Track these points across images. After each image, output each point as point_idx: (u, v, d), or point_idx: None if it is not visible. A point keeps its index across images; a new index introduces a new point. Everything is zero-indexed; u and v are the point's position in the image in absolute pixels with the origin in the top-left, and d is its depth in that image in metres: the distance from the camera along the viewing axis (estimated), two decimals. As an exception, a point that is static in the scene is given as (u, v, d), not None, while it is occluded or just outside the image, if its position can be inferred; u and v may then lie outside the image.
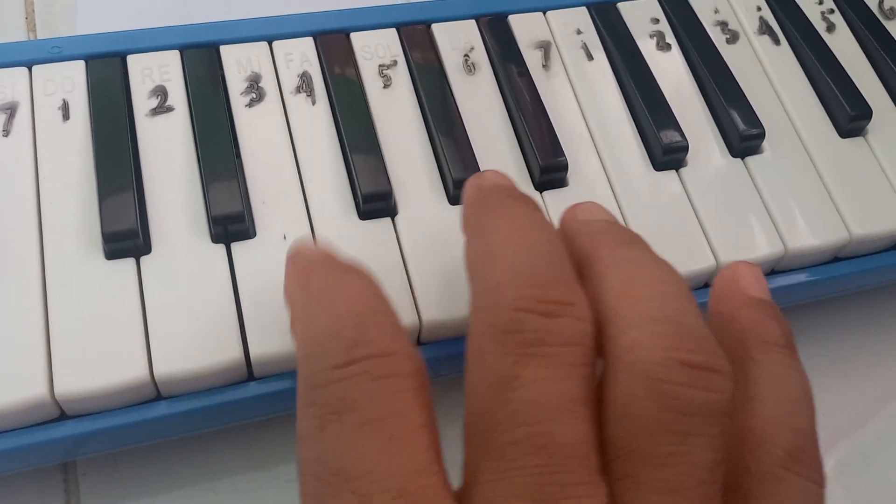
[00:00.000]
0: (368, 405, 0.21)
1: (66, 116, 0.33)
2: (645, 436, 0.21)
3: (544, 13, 0.40)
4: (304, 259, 0.26)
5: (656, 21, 0.41)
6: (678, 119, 0.37)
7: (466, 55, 0.38)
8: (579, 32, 0.40)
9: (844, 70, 0.40)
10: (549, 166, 0.34)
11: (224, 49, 0.36)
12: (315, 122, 0.35)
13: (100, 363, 0.28)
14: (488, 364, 0.22)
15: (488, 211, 0.26)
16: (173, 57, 0.35)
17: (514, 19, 0.39)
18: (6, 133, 0.32)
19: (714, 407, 0.22)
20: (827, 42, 0.41)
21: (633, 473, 0.21)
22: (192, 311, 0.30)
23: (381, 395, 0.22)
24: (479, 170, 0.34)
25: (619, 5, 0.41)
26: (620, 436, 0.22)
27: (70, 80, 0.34)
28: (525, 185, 0.35)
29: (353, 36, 0.37)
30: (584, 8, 0.40)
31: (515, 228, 0.25)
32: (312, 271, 0.25)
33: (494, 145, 0.36)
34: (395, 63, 0.37)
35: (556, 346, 0.22)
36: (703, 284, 0.35)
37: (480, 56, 0.38)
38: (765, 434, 0.24)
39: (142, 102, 0.34)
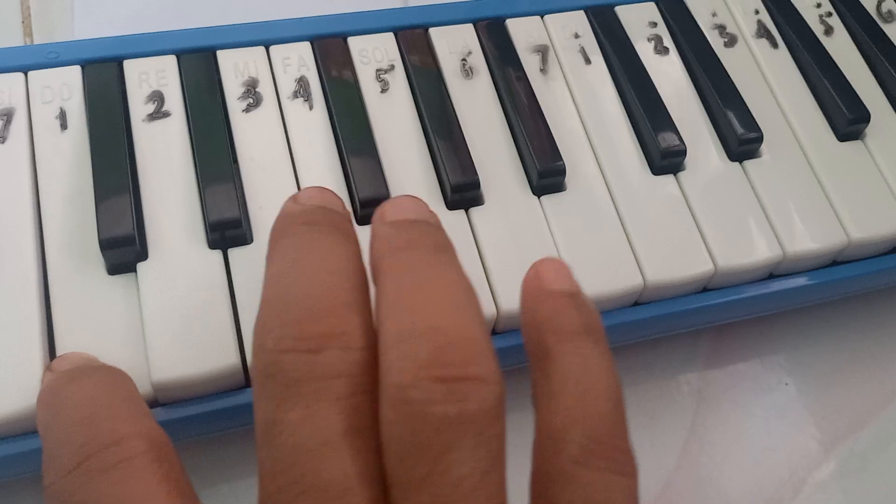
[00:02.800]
0: (106, 498, 0.21)
1: (63, 126, 0.33)
2: (399, 461, 0.21)
3: (542, 17, 0.40)
4: (43, 383, 0.27)
5: (654, 25, 0.41)
6: (676, 123, 0.37)
7: (464, 59, 0.38)
8: (577, 36, 0.40)
9: (842, 73, 0.40)
10: (547, 170, 0.34)
11: (221, 54, 0.36)
12: (312, 126, 0.35)
13: (97, 370, 0.28)
14: (258, 411, 0.22)
15: (282, 234, 0.25)
16: (170, 62, 0.35)
17: (511, 23, 0.39)
18: (2, 140, 0.32)
19: (473, 416, 0.21)
20: (825, 45, 0.41)
21: (400, 500, 0.21)
22: (188, 317, 0.30)
23: (115, 484, 0.21)
24: (476, 174, 0.34)
25: (617, 9, 0.41)
26: (386, 464, 0.21)
27: (67, 87, 0.34)
28: (523, 190, 0.35)
29: (351, 40, 0.37)
30: (581, 12, 0.40)
31: (296, 256, 0.24)
32: (48, 388, 0.26)
33: (492, 150, 0.36)
34: (392, 67, 0.37)
35: (317, 381, 0.21)
36: (701, 289, 0.35)
37: (478, 60, 0.38)
38: (556, 431, 0.23)
39: (139, 107, 0.34)
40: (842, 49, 0.42)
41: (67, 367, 0.27)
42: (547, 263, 0.26)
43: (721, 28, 0.41)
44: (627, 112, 0.38)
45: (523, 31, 0.39)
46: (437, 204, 0.34)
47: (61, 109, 0.33)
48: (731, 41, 0.41)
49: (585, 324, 0.25)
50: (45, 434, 0.24)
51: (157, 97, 0.34)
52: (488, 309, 0.32)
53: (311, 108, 0.35)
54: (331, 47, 0.37)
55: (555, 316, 0.25)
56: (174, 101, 0.34)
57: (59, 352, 0.29)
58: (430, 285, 0.23)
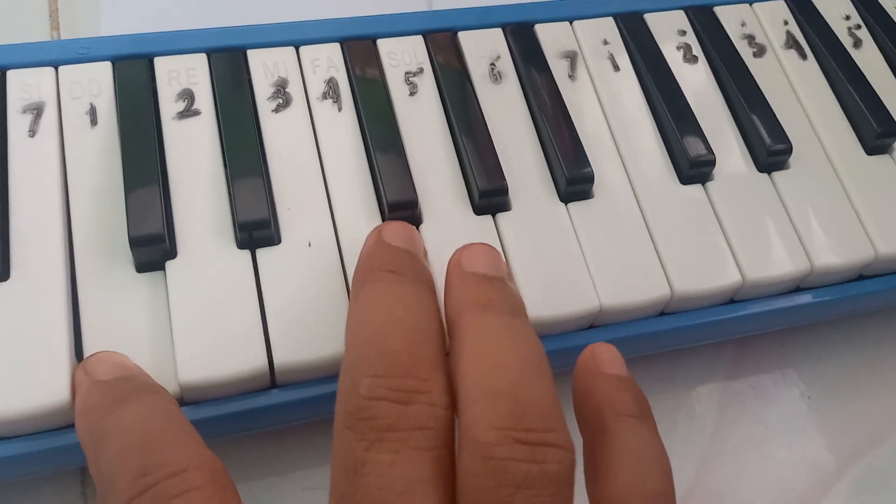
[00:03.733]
0: None
1: (94, 122, 0.33)
2: None
3: (571, 23, 0.40)
4: (83, 392, 0.27)
5: (683, 33, 0.41)
6: (704, 132, 0.36)
7: (493, 64, 0.38)
8: (606, 43, 0.39)
9: (871, 86, 0.40)
10: (575, 178, 0.34)
11: (251, 53, 0.36)
12: (341, 128, 0.35)
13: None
14: (343, 449, 0.23)
15: (369, 278, 0.27)
16: (200, 60, 0.35)
17: (540, 28, 0.39)
18: (32, 133, 0.32)
19: (551, 478, 0.22)
20: (854, 57, 0.41)
21: None
22: (216, 318, 0.30)
23: None
24: (504, 180, 0.34)
25: (647, 16, 0.41)
26: None
27: (97, 82, 0.34)
28: (550, 197, 0.35)
29: (380, 42, 0.37)
30: (610, 18, 0.40)
31: (384, 305, 0.26)
32: (97, 409, 0.26)
33: (520, 155, 0.35)
34: (421, 70, 0.37)
35: (405, 430, 0.23)
36: (728, 300, 0.35)
37: (507, 65, 0.38)
38: (615, 500, 0.25)
39: (169, 105, 0.34)
40: (871, 62, 0.41)
41: (104, 371, 0.27)
42: (602, 348, 0.28)
43: (750, 38, 0.41)
44: (655, 120, 0.38)
45: (552, 37, 0.39)
46: (464, 209, 0.34)
47: (91, 105, 0.33)
48: (759, 51, 0.41)
49: (639, 406, 0.27)
50: (95, 456, 0.24)
51: (188, 95, 0.34)
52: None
53: (339, 109, 0.35)
54: (360, 49, 0.37)
55: (612, 397, 0.27)
56: (204, 100, 0.34)
57: (86, 349, 0.29)
58: (513, 350, 0.25)
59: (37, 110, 0.33)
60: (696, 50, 0.40)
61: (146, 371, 0.28)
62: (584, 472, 0.27)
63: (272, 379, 0.30)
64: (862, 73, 0.40)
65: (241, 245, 0.31)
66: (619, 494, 0.25)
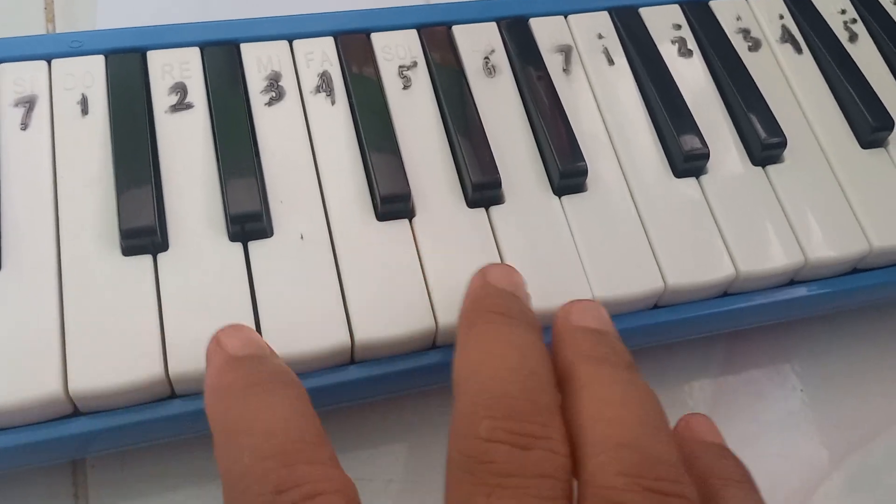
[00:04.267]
0: None
1: (84, 111, 0.33)
2: None
3: (566, 17, 0.40)
4: (220, 370, 0.26)
5: (678, 27, 0.40)
6: (699, 126, 0.36)
7: (487, 58, 0.38)
8: (601, 37, 0.39)
9: (866, 80, 0.39)
10: (568, 171, 0.34)
11: (244, 47, 0.36)
12: (334, 122, 0.35)
13: (115, 361, 0.28)
14: (462, 493, 0.23)
15: (479, 321, 0.27)
16: (194, 54, 0.35)
17: (535, 22, 0.39)
18: (24, 126, 0.32)
19: None
20: (849, 52, 0.41)
21: None
22: (208, 310, 0.30)
23: None
24: (497, 173, 0.33)
25: (642, 10, 0.41)
26: None
27: (90, 74, 0.34)
28: (544, 190, 0.35)
29: (374, 36, 0.37)
30: (605, 12, 0.40)
31: (499, 349, 0.25)
32: (231, 391, 0.25)
33: (514, 149, 0.35)
34: (415, 64, 0.37)
35: (527, 477, 0.22)
36: (721, 294, 0.35)
37: (501, 59, 0.38)
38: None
39: (161, 99, 0.34)
40: (866, 56, 0.41)
41: (238, 349, 0.26)
42: (700, 418, 0.29)
43: (745, 32, 0.41)
44: (650, 114, 0.38)
45: (546, 31, 0.39)
46: (457, 202, 0.34)
47: (83, 95, 0.33)
48: (755, 45, 0.41)
49: (742, 472, 0.27)
50: (227, 451, 0.24)
51: (180, 89, 0.34)
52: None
53: (333, 103, 0.35)
54: (354, 43, 0.37)
55: (718, 465, 0.27)
56: (197, 94, 0.34)
57: (70, 336, 0.28)
58: (635, 403, 0.25)
59: (29, 103, 0.33)
60: (692, 44, 0.40)
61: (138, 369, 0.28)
62: None
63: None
64: (857, 67, 0.40)
65: (233, 237, 0.31)
66: (583, 428, 0.24)
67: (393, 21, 0.38)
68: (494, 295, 0.28)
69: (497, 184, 0.33)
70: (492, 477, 0.22)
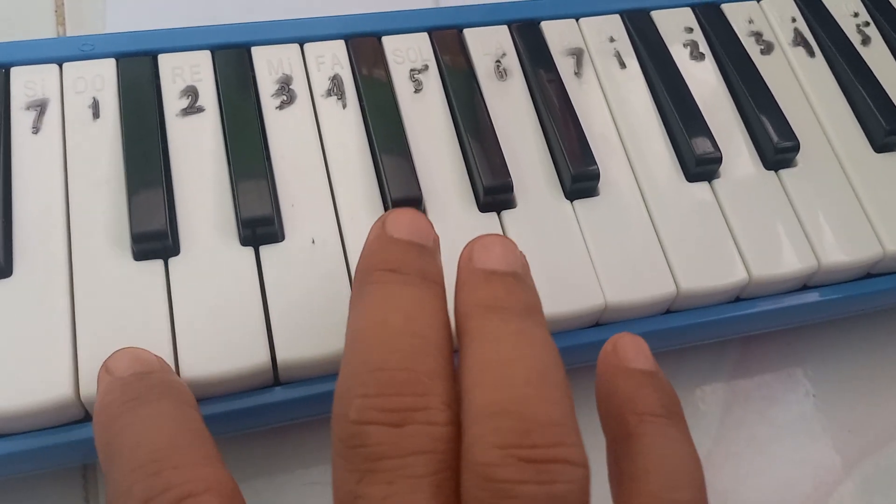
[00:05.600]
0: None
1: (96, 115, 0.33)
2: None
3: (577, 20, 0.40)
4: (101, 390, 0.25)
5: (690, 30, 0.40)
6: (711, 130, 0.36)
7: (498, 61, 0.38)
8: (612, 40, 0.39)
9: (880, 83, 0.39)
10: (580, 175, 0.34)
11: (255, 50, 0.36)
12: (345, 125, 0.35)
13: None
14: (339, 480, 0.22)
15: (367, 281, 0.25)
16: (204, 57, 0.35)
17: (546, 26, 0.39)
18: (36, 130, 0.32)
19: (560, 498, 0.20)
20: (862, 55, 0.41)
21: None
22: (219, 314, 0.30)
23: None
24: (509, 177, 0.33)
25: (653, 14, 0.40)
26: None
27: (101, 77, 0.34)
28: (556, 194, 0.34)
29: (385, 39, 0.37)
30: (617, 16, 0.40)
31: (381, 314, 0.23)
32: (108, 411, 0.24)
33: (525, 152, 0.35)
34: (426, 67, 0.37)
35: (401, 457, 0.21)
36: (734, 298, 0.35)
37: (512, 62, 0.38)
38: None
39: (172, 102, 0.34)
40: (879, 59, 0.41)
41: (124, 370, 0.26)
42: (625, 339, 0.26)
43: (757, 35, 0.41)
44: (662, 117, 0.37)
45: (558, 34, 0.39)
46: (469, 206, 0.34)
47: (94, 99, 0.33)
48: (767, 49, 0.41)
49: (666, 405, 0.25)
50: (106, 471, 0.23)
51: (191, 92, 0.34)
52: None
53: (344, 106, 0.35)
54: (365, 46, 0.37)
55: (635, 396, 0.25)
56: (208, 97, 0.34)
57: (81, 341, 0.29)
58: (520, 358, 0.23)
59: (40, 107, 0.33)
60: (703, 47, 0.40)
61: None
62: (609, 477, 0.25)
63: (275, 376, 0.30)
64: (870, 70, 0.40)
65: (244, 242, 0.31)
66: None
67: (404, 24, 0.38)
68: (386, 248, 0.25)
69: (509, 187, 0.33)
70: (363, 462, 0.21)
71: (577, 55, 0.39)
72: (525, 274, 0.26)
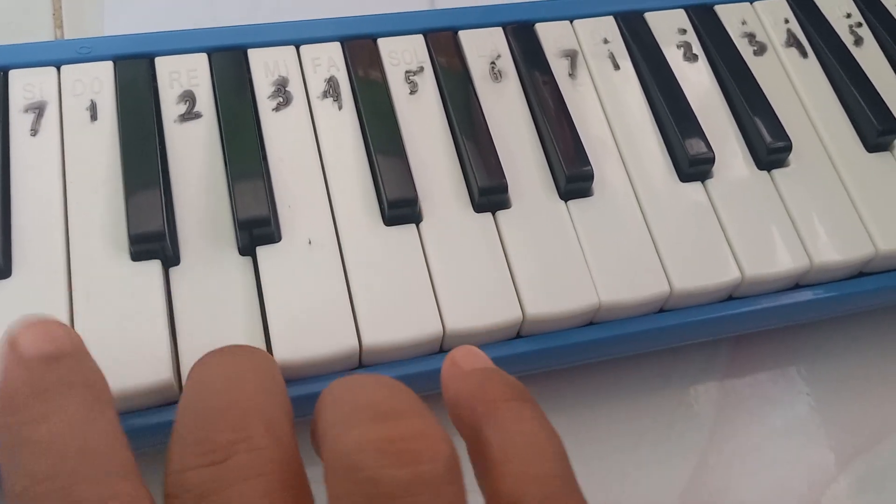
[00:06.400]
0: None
1: (93, 117, 0.33)
2: None
3: (571, 22, 0.40)
4: (7, 374, 0.22)
5: (683, 31, 0.41)
6: (704, 130, 0.37)
7: (493, 63, 0.38)
8: (606, 42, 0.40)
9: (872, 84, 0.40)
10: (574, 175, 0.34)
11: (252, 52, 0.36)
12: (341, 127, 0.35)
13: (124, 365, 0.28)
14: None
15: (208, 359, 0.25)
16: (201, 60, 0.35)
17: (541, 27, 0.39)
18: (34, 132, 0.33)
19: (428, 479, 0.20)
20: (855, 55, 0.41)
21: None
22: (215, 315, 0.30)
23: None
24: (504, 177, 0.34)
25: (647, 15, 0.41)
26: None
27: (98, 80, 0.34)
28: (550, 195, 0.35)
29: (381, 42, 0.37)
30: (611, 17, 0.40)
31: (202, 380, 0.24)
32: (13, 400, 0.22)
33: (520, 153, 0.36)
34: (421, 69, 0.37)
35: (227, 488, 0.20)
36: (727, 297, 0.35)
37: (507, 64, 0.38)
38: (509, 495, 0.22)
39: (169, 105, 0.34)
40: (872, 59, 0.41)
41: (32, 347, 0.23)
42: (459, 351, 0.27)
43: (750, 36, 0.41)
44: (656, 118, 0.38)
45: (552, 36, 0.39)
46: (464, 206, 0.34)
47: (92, 101, 0.34)
48: (760, 49, 0.41)
49: (511, 390, 0.25)
50: (5, 475, 0.21)
51: (188, 94, 0.34)
52: (513, 313, 0.32)
53: (340, 108, 0.35)
54: (361, 48, 0.37)
55: (479, 389, 0.25)
56: (205, 99, 0.34)
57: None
58: (361, 384, 0.23)
59: (39, 109, 0.33)
60: (697, 48, 0.40)
61: (147, 374, 0.28)
62: (475, 476, 0.24)
63: (273, 376, 0.30)
64: (863, 71, 0.40)
65: (241, 243, 0.31)
66: (510, 489, 0.22)
67: (399, 26, 0.38)
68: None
69: (503, 188, 0.34)
70: (192, 501, 0.20)
71: (572, 57, 0.39)
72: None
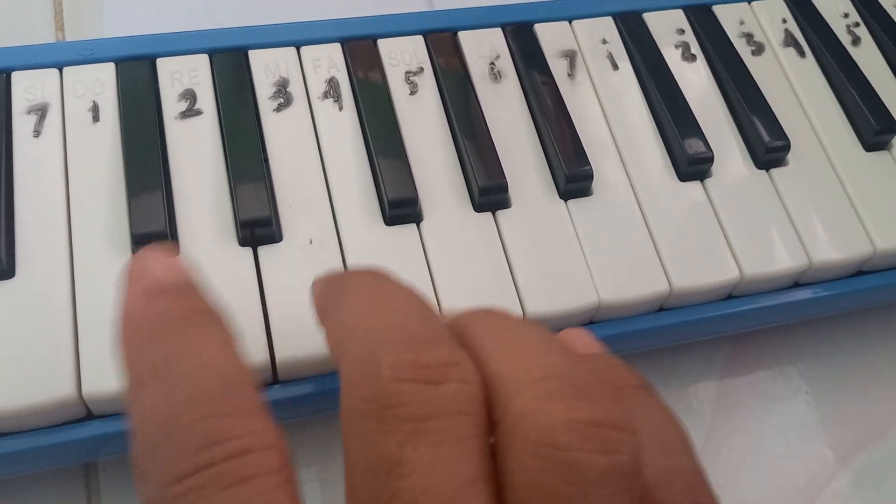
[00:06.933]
0: None
1: (96, 118, 0.33)
2: None
3: (570, 22, 0.40)
4: (142, 298, 0.21)
5: (682, 32, 0.41)
6: (703, 130, 0.37)
7: (492, 63, 0.38)
8: (605, 42, 0.40)
9: (870, 83, 0.40)
10: (574, 175, 0.34)
11: (252, 54, 0.36)
12: (342, 127, 0.35)
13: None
14: (370, 446, 0.19)
15: (343, 286, 0.24)
16: (202, 61, 0.35)
17: (540, 28, 0.39)
18: (37, 134, 0.33)
19: (624, 471, 0.19)
20: (852, 55, 0.41)
21: None
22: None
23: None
24: (504, 177, 0.34)
25: (645, 15, 0.41)
26: None
27: (100, 82, 0.34)
28: (550, 194, 0.35)
29: (381, 42, 0.38)
30: (609, 18, 0.40)
31: (377, 293, 0.22)
32: (150, 327, 0.21)
33: (520, 153, 0.36)
34: (421, 70, 0.37)
35: (444, 418, 0.19)
36: (726, 296, 0.35)
37: (506, 64, 0.38)
38: (655, 484, 0.21)
39: (171, 106, 0.34)
40: (869, 59, 0.42)
41: (165, 275, 0.22)
42: (571, 333, 0.26)
43: (748, 36, 0.41)
44: (654, 118, 0.38)
45: (551, 36, 0.39)
46: (464, 206, 0.34)
47: (94, 102, 0.34)
48: (758, 49, 0.41)
49: (637, 378, 0.24)
50: (144, 401, 0.20)
51: (190, 95, 0.34)
52: (514, 312, 0.32)
53: (340, 108, 0.35)
54: (361, 49, 0.37)
55: (607, 373, 0.24)
56: (206, 100, 0.34)
57: (83, 340, 0.29)
58: (538, 338, 0.21)
59: (41, 111, 0.33)
60: (695, 48, 0.40)
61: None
62: None
63: (274, 375, 0.30)
64: (860, 70, 0.40)
65: (242, 243, 0.32)
66: (651, 480, 0.21)
67: (399, 27, 0.38)
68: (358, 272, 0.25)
69: (503, 188, 0.34)
70: (403, 423, 0.19)
71: (571, 57, 0.39)
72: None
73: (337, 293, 0.24)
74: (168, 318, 0.21)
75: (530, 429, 0.19)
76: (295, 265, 0.31)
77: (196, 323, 0.21)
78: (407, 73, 0.37)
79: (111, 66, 0.35)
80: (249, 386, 0.20)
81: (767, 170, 0.37)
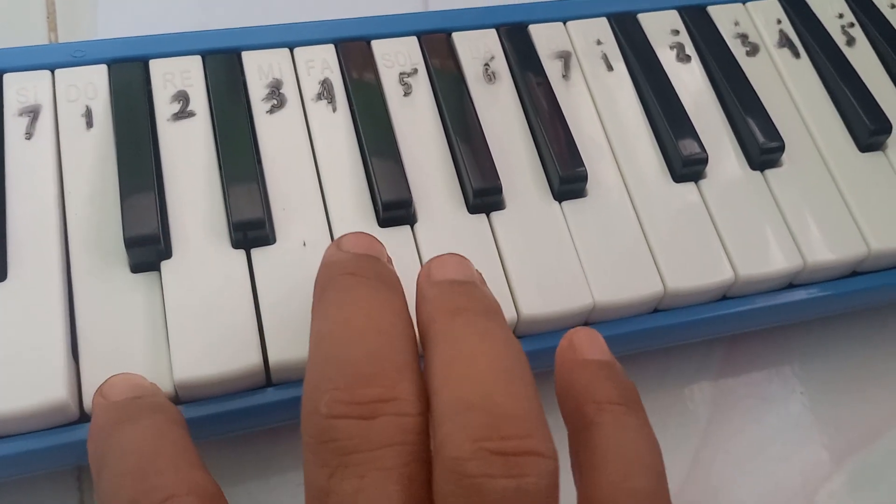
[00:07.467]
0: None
1: (88, 121, 0.33)
2: None
3: (565, 23, 0.40)
4: (95, 415, 0.26)
5: (676, 32, 0.41)
6: (697, 131, 0.37)
7: (487, 64, 0.38)
8: (599, 43, 0.40)
9: (864, 84, 0.40)
10: (568, 176, 0.34)
11: (246, 55, 0.36)
12: (336, 129, 0.35)
13: (121, 367, 0.28)
14: (309, 477, 0.22)
15: (328, 287, 0.25)
16: (195, 62, 0.35)
17: (534, 29, 0.39)
18: (29, 136, 0.33)
19: (531, 491, 0.21)
20: (847, 56, 0.41)
21: None
22: (211, 317, 0.30)
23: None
24: (498, 179, 0.34)
25: (640, 16, 0.41)
26: None
27: (93, 85, 0.34)
28: (544, 196, 0.35)
29: (374, 43, 0.37)
30: (604, 19, 0.40)
31: (344, 313, 0.24)
32: (102, 432, 0.25)
33: (514, 155, 0.36)
34: (415, 71, 0.37)
35: (371, 450, 0.21)
36: (721, 297, 0.35)
37: (501, 65, 0.38)
38: (601, 503, 0.23)
39: (164, 107, 0.34)
40: (864, 60, 0.42)
41: (118, 395, 0.27)
42: (580, 333, 0.27)
43: (743, 37, 0.41)
44: (649, 119, 0.38)
45: (546, 37, 0.39)
46: (458, 208, 0.34)
47: (87, 108, 0.34)
48: (753, 50, 0.41)
49: (624, 394, 0.25)
50: (97, 480, 0.24)
51: (182, 97, 0.34)
52: (509, 313, 0.32)
53: (334, 110, 0.35)
54: (354, 50, 0.37)
55: (591, 385, 0.25)
56: (199, 102, 0.34)
57: (81, 349, 0.29)
58: (485, 355, 0.23)
59: (33, 113, 0.33)
60: (690, 49, 0.40)
61: (144, 373, 0.28)
62: (572, 468, 0.25)
63: (267, 377, 0.30)
64: (855, 71, 0.40)
65: (235, 245, 0.31)
66: (604, 498, 0.23)
67: (393, 28, 0.38)
68: (346, 259, 0.26)
69: (498, 190, 0.34)
70: (334, 456, 0.21)
71: (565, 58, 0.39)
72: (482, 283, 0.27)
73: (323, 287, 0.26)
74: (107, 426, 0.25)
75: (447, 457, 0.21)
76: (288, 267, 0.31)
77: (130, 421, 0.25)
78: (401, 74, 0.37)
79: (103, 68, 0.35)
80: (178, 450, 0.24)
81: (762, 170, 0.37)
